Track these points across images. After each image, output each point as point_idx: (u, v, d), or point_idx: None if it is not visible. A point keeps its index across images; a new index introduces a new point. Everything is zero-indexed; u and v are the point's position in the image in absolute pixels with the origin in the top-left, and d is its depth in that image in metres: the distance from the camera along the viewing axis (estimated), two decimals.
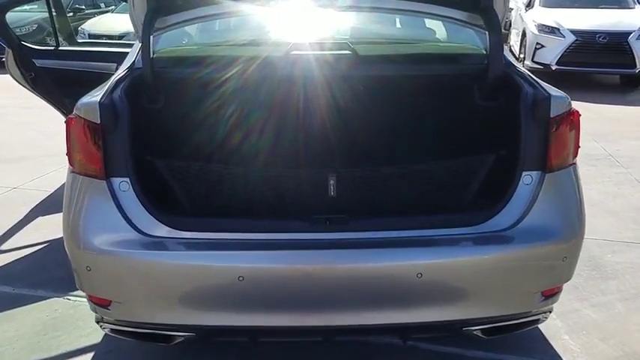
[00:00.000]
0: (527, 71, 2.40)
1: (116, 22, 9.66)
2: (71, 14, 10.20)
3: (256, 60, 2.48)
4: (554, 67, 8.99)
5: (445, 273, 2.08)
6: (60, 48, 4.29)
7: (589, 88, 8.71)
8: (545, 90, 2.20)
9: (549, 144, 2.16)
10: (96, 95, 2.21)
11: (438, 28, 3.28)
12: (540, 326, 2.62)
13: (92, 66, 3.96)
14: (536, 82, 2.28)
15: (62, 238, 2.22)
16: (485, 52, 2.59)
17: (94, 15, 11.61)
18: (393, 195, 2.32)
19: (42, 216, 4.19)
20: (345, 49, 2.61)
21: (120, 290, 2.16)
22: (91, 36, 9.62)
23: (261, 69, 2.48)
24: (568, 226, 2.18)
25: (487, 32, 2.47)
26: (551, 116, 2.14)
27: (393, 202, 2.33)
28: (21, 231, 3.96)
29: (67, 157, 2.23)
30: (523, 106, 2.18)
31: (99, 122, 2.12)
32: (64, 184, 2.31)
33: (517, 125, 2.19)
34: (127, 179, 2.14)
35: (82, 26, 10.17)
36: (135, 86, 2.39)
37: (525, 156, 2.16)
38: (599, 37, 8.76)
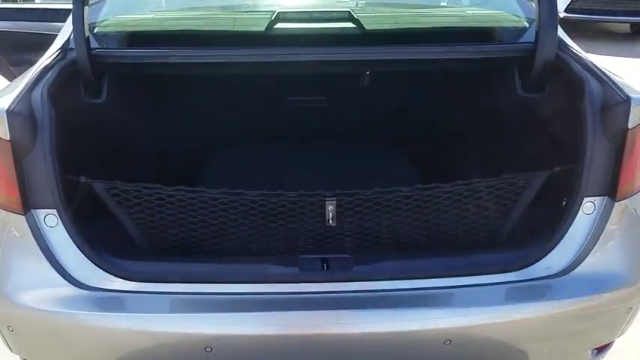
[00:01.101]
0: (589, 58, 1.80)
1: None
2: None
3: (226, 38, 1.86)
4: (562, 15, 8.27)
5: (480, 339, 1.58)
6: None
7: (598, 37, 8.11)
8: (619, 89, 1.62)
9: (622, 162, 1.62)
10: (7, 96, 1.60)
11: None
12: None
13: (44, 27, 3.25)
14: (606, 74, 1.69)
15: None
16: (528, 26, 1.99)
17: None
18: (410, 227, 1.78)
19: None
20: (347, 21, 1.99)
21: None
22: None
23: (234, 53, 1.86)
24: (639, 269, 1.68)
25: None
26: (629, 127, 1.58)
27: (409, 236, 1.79)
28: None
29: None
30: (588, 109, 1.62)
31: (8, 139, 1.53)
32: None
33: (577, 134, 1.64)
34: (55, 211, 1.58)
35: None
36: (65, 76, 1.77)
37: (588, 176, 1.62)
38: None
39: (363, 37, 1.96)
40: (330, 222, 1.77)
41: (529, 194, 1.75)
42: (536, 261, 1.63)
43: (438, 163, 2.40)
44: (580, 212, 1.63)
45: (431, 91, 2.38)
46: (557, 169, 1.72)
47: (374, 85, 2.12)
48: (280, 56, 1.85)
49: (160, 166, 2.14)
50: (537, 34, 1.83)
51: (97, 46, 1.92)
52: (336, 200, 1.73)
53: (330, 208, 1.75)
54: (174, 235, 1.76)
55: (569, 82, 1.74)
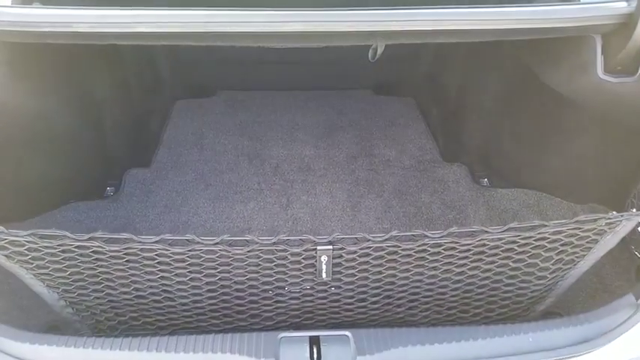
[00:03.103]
0: None
1: None
2: None
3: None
4: None
5: None
6: None
7: None
8: None
9: None
10: None
11: None
12: None
13: None
14: None
15: None
16: None
17: None
18: (439, 287, 1.24)
19: None
20: None
21: None
22: None
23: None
24: None
25: None
26: None
27: (440, 301, 1.26)
28: None
29: None
30: None
31: None
32: None
33: None
34: None
35: None
36: None
37: None
38: None
39: None
40: (324, 274, 1.23)
41: (610, 242, 1.20)
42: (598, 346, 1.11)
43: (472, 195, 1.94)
44: None
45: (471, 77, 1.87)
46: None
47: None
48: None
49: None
50: None
51: None
52: (333, 249, 1.18)
53: (323, 258, 1.20)
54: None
55: None
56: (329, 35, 1.24)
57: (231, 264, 1.21)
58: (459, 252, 1.20)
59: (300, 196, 1.98)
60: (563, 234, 1.17)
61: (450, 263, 1.23)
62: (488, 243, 1.18)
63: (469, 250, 1.19)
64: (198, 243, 1.16)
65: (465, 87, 2.17)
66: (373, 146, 2.27)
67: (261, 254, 1.19)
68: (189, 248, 1.16)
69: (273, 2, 1.21)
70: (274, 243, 1.17)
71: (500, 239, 1.17)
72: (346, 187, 2.03)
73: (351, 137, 2.32)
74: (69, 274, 1.23)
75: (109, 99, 2.01)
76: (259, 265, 1.21)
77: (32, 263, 1.20)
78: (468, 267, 1.24)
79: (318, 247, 1.17)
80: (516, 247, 1.19)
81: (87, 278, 1.25)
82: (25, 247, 1.15)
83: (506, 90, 1.93)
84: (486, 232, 1.16)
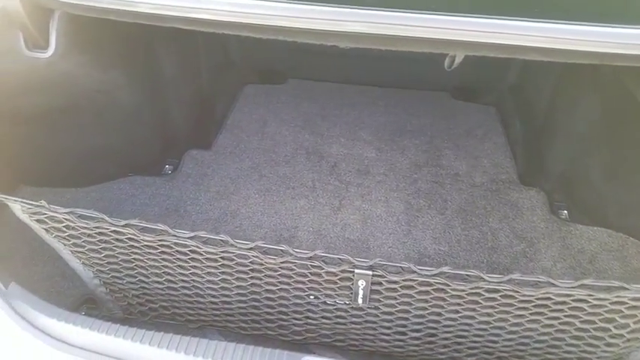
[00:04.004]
0: None
1: None
2: None
3: None
4: None
5: None
6: None
7: None
8: None
9: None
10: None
11: None
12: None
13: None
14: None
15: None
16: None
17: None
18: (490, 341, 1.09)
19: None
20: None
21: None
22: None
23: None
24: None
25: None
26: None
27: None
28: None
29: None
30: None
31: None
32: None
33: None
34: None
35: None
36: None
37: None
38: None
39: None
40: (360, 299, 1.12)
41: None
42: None
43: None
44: None
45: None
46: None
47: None
48: None
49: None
50: None
51: None
52: (372, 275, 1.06)
53: (361, 284, 1.08)
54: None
55: None
56: (398, 39, 1.11)
57: (263, 271, 1.13)
58: (517, 301, 1.04)
59: (354, 201, 1.86)
60: None
61: (506, 312, 1.08)
62: (553, 297, 1.01)
63: (530, 301, 1.03)
64: (231, 245, 1.09)
65: (556, 105, 1.94)
66: (442, 156, 2.10)
67: (294, 267, 1.10)
68: (223, 249, 1.10)
69: None
70: (310, 258, 1.07)
71: (568, 295, 1.00)
72: (405, 198, 1.89)
73: (418, 143, 2.16)
74: (104, 256, 1.22)
75: (177, 78, 1.99)
76: (292, 277, 1.12)
77: (69, 240, 1.19)
78: (527, 319, 1.08)
79: (356, 271, 1.06)
80: (586, 308, 1.02)
81: (121, 262, 1.23)
82: (63, 224, 1.13)
83: (602, 115, 1.70)
84: (553, 284, 0.99)
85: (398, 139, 2.19)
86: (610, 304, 0.99)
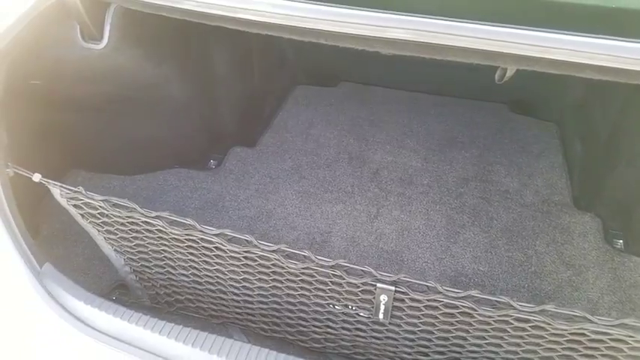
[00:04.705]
0: None
1: None
2: None
3: None
4: None
5: None
6: None
7: None
8: None
9: None
10: None
11: None
12: None
13: None
14: None
15: None
16: None
17: None
18: None
19: None
20: None
21: None
22: None
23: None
24: None
25: None
26: None
27: None
28: None
29: None
30: None
31: None
32: None
33: None
34: None
35: None
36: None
37: None
38: None
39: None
40: (381, 315, 1.07)
41: None
42: None
43: None
44: None
45: None
46: None
47: None
48: None
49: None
50: None
51: None
52: (395, 291, 1.02)
53: (383, 298, 1.04)
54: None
55: None
56: (443, 49, 1.05)
57: (284, 275, 1.11)
58: (549, 334, 0.97)
59: (392, 210, 1.81)
60: None
61: (536, 344, 1.00)
62: (588, 334, 0.93)
63: (562, 335, 0.96)
64: (255, 246, 1.08)
65: (620, 126, 1.80)
66: (492, 172, 2.00)
67: (315, 274, 1.07)
68: (246, 249, 1.09)
69: (387, 3, 1.05)
70: (332, 267, 1.04)
71: (605, 334, 0.92)
72: (447, 212, 1.82)
73: (469, 156, 2.08)
74: (134, 245, 1.24)
75: (228, 76, 2.02)
76: (312, 284, 1.10)
77: (103, 227, 1.22)
78: (558, 354, 1.00)
79: (379, 285, 1.02)
80: (625, 349, 0.93)
81: (150, 252, 1.25)
82: (97, 211, 1.17)
83: None
84: (589, 320, 0.91)
85: (447, 150, 2.11)
86: None
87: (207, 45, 1.86)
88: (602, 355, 0.96)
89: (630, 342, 0.91)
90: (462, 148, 2.11)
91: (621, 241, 1.69)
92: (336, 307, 1.13)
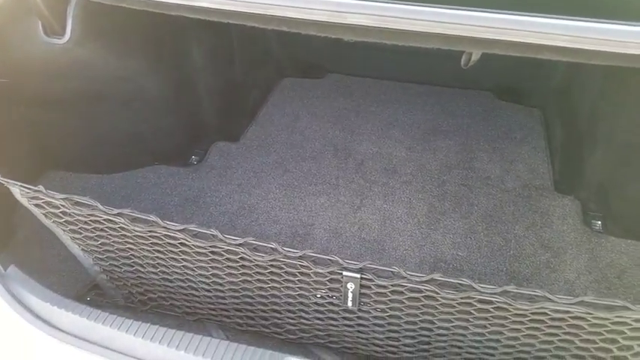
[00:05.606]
0: None
1: None
2: None
3: None
4: None
5: None
6: None
7: None
8: None
9: None
10: None
11: None
12: None
13: None
14: None
15: None
16: None
17: None
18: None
19: None
20: None
21: None
22: None
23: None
24: None
25: None
26: None
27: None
28: None
29: None
30: None
31: None
32: None
33: None
34: None
35: None
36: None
37: None
38: None
39: None
40: (349, 303, 1.09)
41: None
42: None
43: None
44: None
45: None
46: None
47: None
48: None
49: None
50: None
51: None
52: (361, 278, 1.03)
53: (350, 287, 1.06)
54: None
55: None
56: (406, 34, 1.06)
57: (253, 268, 1.12)
58: (511, 314, 0.98)
59: (375, 201, 1.83)
60: None
61: (501, 325, 1.02)
62: (549, 313, 0.94)
63: (524, 315, 0.97)
64: (220, 240, 1.09)
65: (598, 110, 1.80)
66: (475, 158, 2.01)
67: (284, 266, 1.09)
68: (212, 244, 1.10)
69: None
70: (299, 257, 1.06)
71: (566, 312, 0.93)
72: (429, 200, 1.83)
73: (452, 144, 2.08)
74: (100, 244, 1.24)
75: (208, 68, 2.01)
76: (282, 276, 1.11)
77: (67, 226, 1.22)
78: (523, 333, 1.01)
79: (344, 273, 1.03)
80: (586, 326, 0.94)
81: (117, 251, 1.25)
82: (59, 210, 1.17)
83: None
84: (549, 299, 0.92)
85: (431, 138, 2.12)
86: (611, 324, 0.91)
87: (183, 37, 1.86)
88: (565, 333, 0.98)
89: (589, 319, 0.92)
90: (446, 137, 2.12)
91: (600, 222, 1.70)
92: (317, 295, 1.14)
